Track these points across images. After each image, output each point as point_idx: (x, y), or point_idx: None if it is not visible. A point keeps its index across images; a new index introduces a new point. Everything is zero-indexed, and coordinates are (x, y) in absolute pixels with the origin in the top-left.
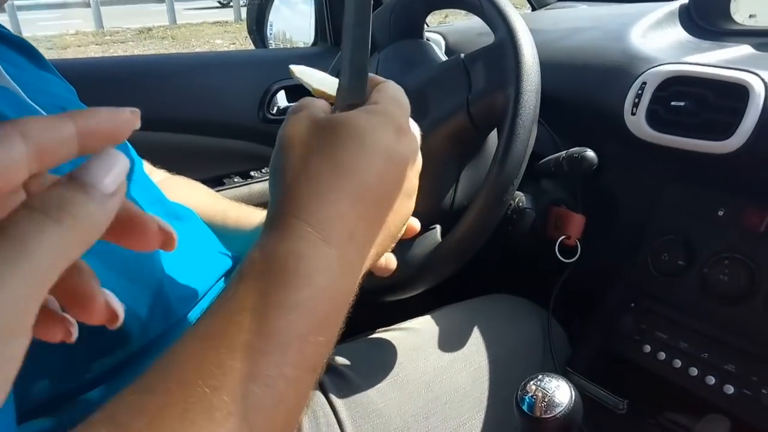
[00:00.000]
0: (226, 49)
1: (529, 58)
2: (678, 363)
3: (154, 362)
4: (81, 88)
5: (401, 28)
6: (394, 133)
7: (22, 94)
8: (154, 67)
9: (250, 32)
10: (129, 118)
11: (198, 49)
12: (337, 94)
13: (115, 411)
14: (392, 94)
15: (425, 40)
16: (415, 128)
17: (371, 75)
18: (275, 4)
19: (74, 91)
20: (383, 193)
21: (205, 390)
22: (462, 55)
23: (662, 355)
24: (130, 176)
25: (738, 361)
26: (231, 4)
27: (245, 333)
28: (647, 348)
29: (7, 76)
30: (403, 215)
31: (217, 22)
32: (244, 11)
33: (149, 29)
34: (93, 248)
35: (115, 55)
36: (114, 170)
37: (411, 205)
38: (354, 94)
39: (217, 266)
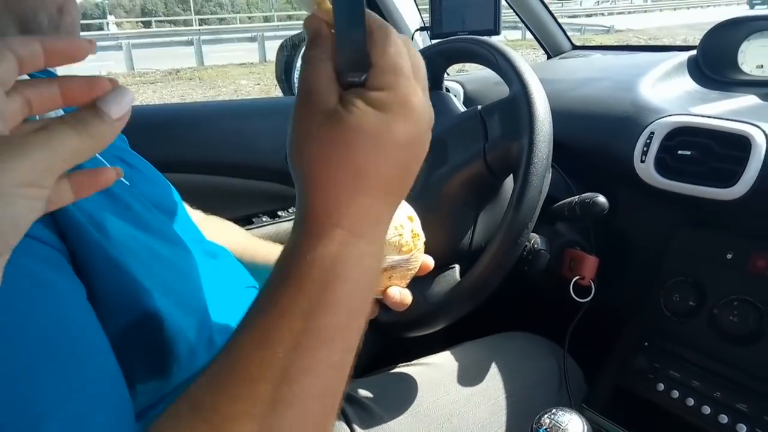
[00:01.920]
0: (250, 88)
1: (541, 110)
2: (691, 401)
3: (215, 361)
4: (127, 134)
5: None
6: (408, 118)
7: None
8: (191, 114)
9: (279, 81)
10: (87, 47)
11: (224, 89)
12: (336, 67)
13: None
14: (395, 64)
15: (445, 90)
16: (424, 83)
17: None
18: (303, 52)
19: (125, 138)
20: (407, 171)
21: (268, 386)
22: (479, 107)
23: (675, 393)
24: (174, 216)
25: (750, 401)
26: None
27: (296, 333)
28: (661, 386)
29: None
30: (422, 158)
31: (243, 64)
32: (268, 53)
33: (177, 71)
34: (148, 271)
35: (145, 94)
36: (122, 103)
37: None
38: (354, 69)
39: (249, 300)
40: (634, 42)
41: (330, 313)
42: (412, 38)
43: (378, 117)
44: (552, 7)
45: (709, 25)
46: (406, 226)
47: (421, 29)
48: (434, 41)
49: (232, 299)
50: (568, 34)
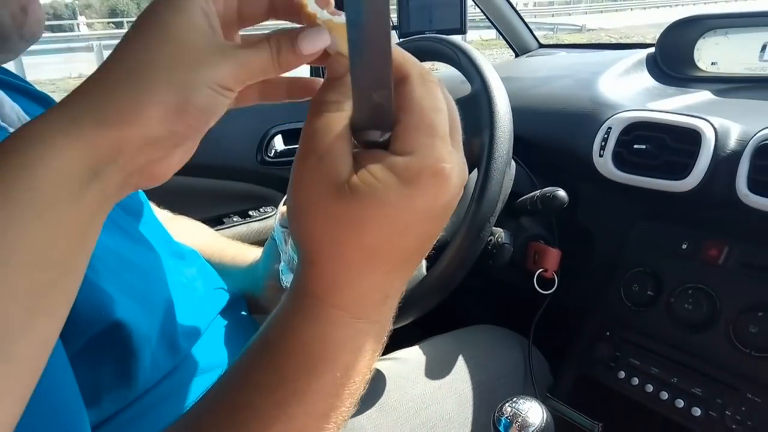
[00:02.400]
0: None
1: (501, 107)
2: (650, 388)
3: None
4: None
5: None
6: (439, 190)
7: None
8: None
9: None
10: None
11: None
12: (351, 120)
13: None
14: (430, 122)
15: None
16: (459, 140)
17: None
18: None
19: None
20: (428, 240)
21: None
22: None
23: (635, 381)
24: (140, 217)
25: (704, 385)
26: None
27: (271, 408)
28: (622, 374)
29: None
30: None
31: None
32: None
33: None
34: (114, 276)
35: None
36: (315, 42)
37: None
38: (374, 125)
39: (217, 302)
40: (605, 40)
41: (309, 402)
42: None
43: (401, 191)
44: (524, 6)
45: None
46: None
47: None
48: (401, 40)
49: (200, 301)
50: (542, 32)
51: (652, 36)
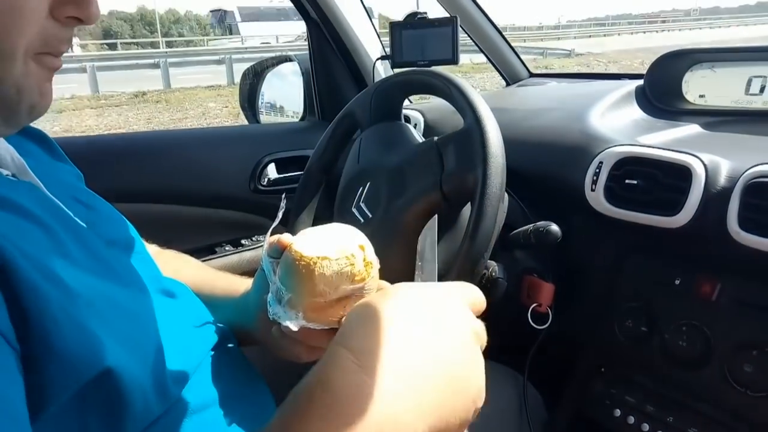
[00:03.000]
0: (218, 110)
1: (494, 142)
2: (646, 427)
3: None
4: (79, 165)
5: (381, 110)
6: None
7: (43, 187)
8: (152, 142)
9: (242, 108)
10: None
11: (191, 112)
12: None
13: None
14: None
15: (403, 121)
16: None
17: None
18: (267, 77)
19: (81, 176)
20: (436, 352)
21: None
22: (435, 138)
23: (631, 419)
24: (130, 252)
25: (700, 425)
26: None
27: None
28: (617, 412)
29: (31, 172)
30: (465, 400)
31: (210, 86)
32: (237, 75)
33: (144, 93)
34: (104, 321)
35: (110, 117)
36: None
37: (478, 401)
38: None
39: (207, 339)
40: (594, 64)
41: None
42: (374, 67)
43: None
44: (512, 33)
45: (665, 48)
46: (357, 255)
47: (382, 58)
48: (394, 70)
49: (190, 340)
50: (531, 56)
51: (640, 60)
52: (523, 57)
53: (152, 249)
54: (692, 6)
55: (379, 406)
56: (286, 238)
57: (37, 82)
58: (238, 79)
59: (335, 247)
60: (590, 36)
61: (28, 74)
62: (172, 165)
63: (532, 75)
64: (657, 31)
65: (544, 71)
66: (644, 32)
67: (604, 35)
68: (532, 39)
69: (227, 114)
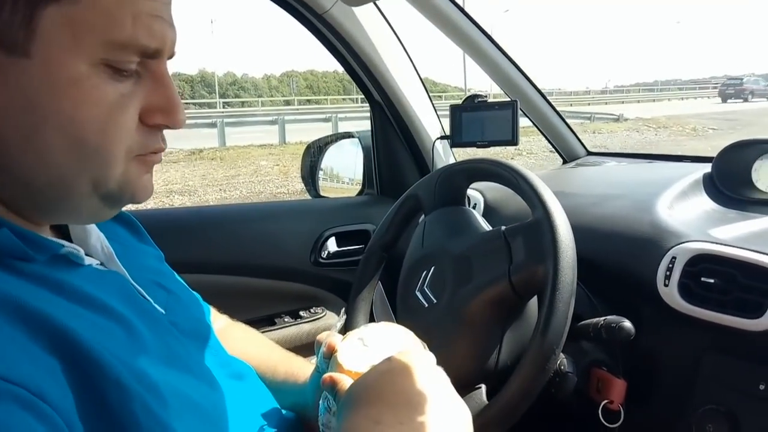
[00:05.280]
0: (270, 168)
1: (564, 236)
2: None
3: None
4: (154, 238)
5: (445, 195)
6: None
7: (128, 275)
8: (220, 216)
9: (304, 181)
10: None
11: (244, 169)
12: None
13: None
14: None
15: (467, 206)
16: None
17: None
18: (329, 150)
19: (162, 257)
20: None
21: None
22: (503, 228)
23: None
24: (205, 342)
25: None
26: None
27: None
28: None
29: (117, 261)
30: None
31: (263, 145)
32: (288, 135)
33: (200, 150)
34: (179, 417)
35: (168, 173)
36: None
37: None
38: None
39: (273, 424)
40: (644, 129)
41: None
42: (433, 146)
43: None
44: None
45: (716, 114)
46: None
47: (442, 138)
48: (453, 147)
49: (257, 424)
50: (578, 120)
51: (692, 126)
52: (570, 121)
53: (223, 320)
54: (746, 72)
55: None
56: (335, 340)
57: (138, 177)
58: (289, 137)
59: (379, 359)
60: (638, 101)
61: (129, 172)
62: (238, 238)
63: (589, 153)
64: (708, 97)
65: (592, 135)
66: (695, 98)
67: (653, 100)
68: (579, 103)
69: (278, 172)
